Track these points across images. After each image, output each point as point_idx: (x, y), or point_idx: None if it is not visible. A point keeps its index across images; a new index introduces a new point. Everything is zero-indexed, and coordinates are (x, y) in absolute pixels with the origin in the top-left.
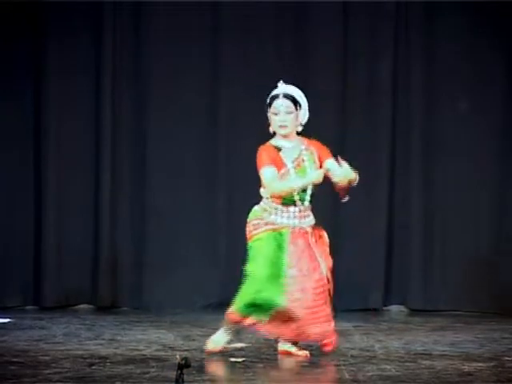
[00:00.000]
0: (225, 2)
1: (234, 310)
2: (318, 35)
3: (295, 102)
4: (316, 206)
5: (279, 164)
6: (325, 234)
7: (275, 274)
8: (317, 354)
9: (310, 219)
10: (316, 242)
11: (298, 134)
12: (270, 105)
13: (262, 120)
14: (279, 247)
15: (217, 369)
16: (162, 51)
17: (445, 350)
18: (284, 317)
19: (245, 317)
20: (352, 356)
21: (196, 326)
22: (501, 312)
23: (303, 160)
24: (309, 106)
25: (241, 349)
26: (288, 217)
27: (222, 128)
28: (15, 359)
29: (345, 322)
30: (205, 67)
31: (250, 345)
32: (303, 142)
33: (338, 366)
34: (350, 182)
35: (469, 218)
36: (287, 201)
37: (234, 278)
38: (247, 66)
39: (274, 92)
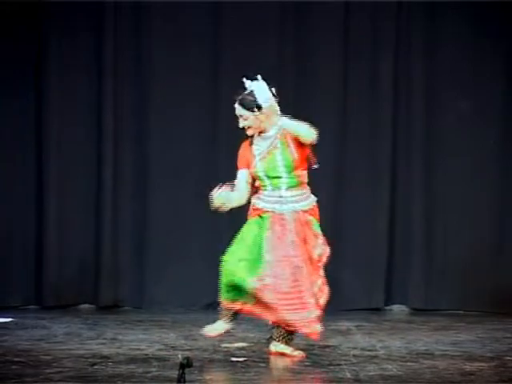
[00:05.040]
0: (225, 2)
1: (220, 297)
2: (319, 35)
3: (250, 107)
4: (318, 210)
5: (251, 159)
6: (312, 221)
7: (251, 259)
8: (319, 353)
9: (293, 206)
10: (299, 227)
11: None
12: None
13: None
14: (260, 232)
15: (218, 368)
16: (162, 51)
17: (446, 349)
18: (261, 301)
19: (232, 301)
20: (354, 355)
21: (197, 325)
22: (502, 311)
23: (275, 147)
24: (310, 107)
25: (242, 348)
26: (270, 201)
27: (223, 128)
28: (17, 359)
29: (347, 321)
30: (205, 67)
31: (251, 344)
32: (280, 129)
33: (339, 365)
34: (306, 140)
35: (470, 218)
36: (272, 186)
37: None
38: (248, 66)
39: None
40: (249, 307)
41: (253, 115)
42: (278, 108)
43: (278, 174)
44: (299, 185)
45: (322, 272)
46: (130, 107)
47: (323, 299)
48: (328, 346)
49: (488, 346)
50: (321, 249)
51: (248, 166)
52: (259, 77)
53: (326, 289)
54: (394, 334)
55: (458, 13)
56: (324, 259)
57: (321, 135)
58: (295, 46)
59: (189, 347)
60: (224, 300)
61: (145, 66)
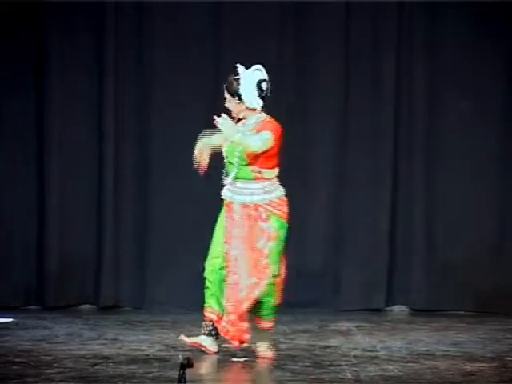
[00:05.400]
0: (225, 2)
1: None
2: (319, 35)
3: (233, 94)
4: (319, 207)
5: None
6: (268, 217)
7: (222, 252)
8: (319, 353)
9: (243, 198)
10: (245, 220)
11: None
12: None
13: None
14: (221, 221)
15: (219, 369)
16: (163, 51)
17: (447, 350)
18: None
19: (212, 310)
20: (354, 356)
21: (198, 325)
22: (503, 312)
23: None
24: (311, 107)
25: (243, 349)
26: (228, 189)
27: None
28: (18, 359)
29: (347, 321)
30: (206, 67)
31: (251, 345)
32: (258, 120)
33: (340, 365)
34: (250, 150)
35: (470, 218)
36: (226, 171)
37: None
38: (248, 66)
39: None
40: (222, 322)
41: (234, 101)
42: (259, 103)
43: (233, 162)
44: (253, 179)
45: (266, 270)
46: (131, 107)
47: (246, 304)
48: (329, 347)
49: (489, 347)
50: (262, 244)
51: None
52: (258, 67)
53: (257, 292)
54: (395, 334)
55: (458, 13)
56: (266, 254)
57: (322, 135)
58: (296, 45)
59: (189, 347)
60: (206, 307)
61: (146, 66)
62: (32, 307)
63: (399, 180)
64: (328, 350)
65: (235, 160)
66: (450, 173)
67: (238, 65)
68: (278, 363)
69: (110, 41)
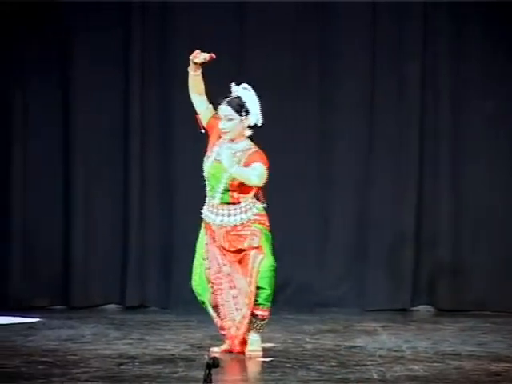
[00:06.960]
0: (250, 2)
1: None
2: (345, 35)
3: (239, 109)
4: (344, 209)
5: (214, 133)
6: (241, 232)
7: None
8: (345, 353)
9: (221, 218)
10: (225, 239)
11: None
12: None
13: (285, 122)
14: (202, 238)
15: (245, 369)
16: (188, 50)
17: (473, 350)
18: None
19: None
20: (380, 356)
21: None
22: None
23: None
24: (336, 107)
25: (269, 349)
26: (208, 209)
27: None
28: (44, 359)
29: (373, 321)
30: (230, 67)
31: (278, 345)
32: (245, 147)
33: (366, 365)
34: (253, 185)
35: (496, 219)
36: (210, 193)
37: None
38: (273, 67)
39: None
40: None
41: (239, 118)
42: (260, 120)
43: (216, 187)
44: (231, 202)
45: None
46: (156, 108)
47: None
48: (354, 347)
49: None
50: (248, 242)
51: (210, 128)
52: (247, 85)
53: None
54: (421, 334)
55: (483, 13)
56: (254, 246)
57: (347, 135)
58: (322, 46)
59: (215, 347)
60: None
61: (171, 65)
62: (58, 307)
63: (424, 180)
64: (354, 349)
65: (220, 186)
66: (475, 173)
67: (231, 84)
68: (304, 363)
69: (136, 39)
